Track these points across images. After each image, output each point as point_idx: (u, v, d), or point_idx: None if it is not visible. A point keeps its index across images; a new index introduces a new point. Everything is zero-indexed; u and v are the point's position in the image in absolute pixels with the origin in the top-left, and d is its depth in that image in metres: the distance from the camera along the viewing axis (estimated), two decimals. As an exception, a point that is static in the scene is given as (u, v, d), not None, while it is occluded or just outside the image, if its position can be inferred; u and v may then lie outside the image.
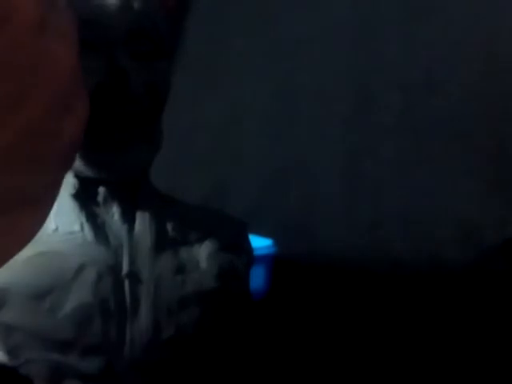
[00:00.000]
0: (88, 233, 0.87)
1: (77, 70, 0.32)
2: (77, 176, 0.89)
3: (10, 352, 0.84)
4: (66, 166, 0.33)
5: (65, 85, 0.31)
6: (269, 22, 2.65)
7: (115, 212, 0.89)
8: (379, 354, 2.26)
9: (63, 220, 0.88)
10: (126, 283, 0.86)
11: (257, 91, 2.65)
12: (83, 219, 0.88)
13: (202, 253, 0.92)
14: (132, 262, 0.87)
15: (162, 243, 0.90)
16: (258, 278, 2.22)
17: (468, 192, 2.49)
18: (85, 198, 0.90)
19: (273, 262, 2.37)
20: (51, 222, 0.88)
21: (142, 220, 0.90)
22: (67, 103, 0.31)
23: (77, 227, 0.88)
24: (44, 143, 0.30)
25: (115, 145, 0.86)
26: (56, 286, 0.84)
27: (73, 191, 0.89)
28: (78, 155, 0.87)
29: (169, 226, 0.92)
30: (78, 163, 0.87)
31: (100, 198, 0.90)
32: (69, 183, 0.89)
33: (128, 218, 0.90)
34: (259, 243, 2.27)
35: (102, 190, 0.90)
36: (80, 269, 0.85)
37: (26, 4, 0.29)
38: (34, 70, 0.29)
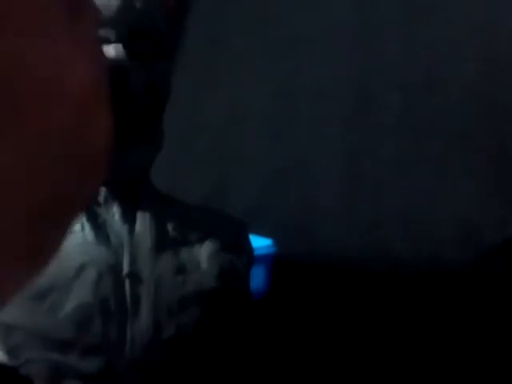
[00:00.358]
0: (88, 233, 0.87)
1: (99, 84, 0.29)
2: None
3: (9, 352, 0.84)
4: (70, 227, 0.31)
5: (81, 101, 0.28)
6: (269, 22, 2.65)
7: (116, 212, 0.90)
8: (379, 353, 2.26)
9: (63, 220, 0.88)
10: (127, 283, 0.86)
11: (257, 91, 2.65)
12: (84, 219, 0.88)
13: (203, 253, 0.92)
14: (132, 262, 0.87)
15: (162, 243, 0.90)
16: (257, 277, 2.22)
17: (468, 192, 2.49)
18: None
19: (273, 261, 2.37)
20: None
21: (142, 220, 0.90)
22: (85, 119, 0.29)
23: (77, 227, 0.88)
24: (63, 205, 0.28)
25: (115, 145, 0.86)
26: (56, 285, 0.84)
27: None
28: None
29: (169, 226, 0.92)
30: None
31: (101, 198, 0.90)
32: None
33: (128, 218, 0.90)
34: (259, 243, 2.27)
35: (102, 190, 0.90)
36: (80, 268, 0.85)
37: None
38: (45, 81, 0.27)
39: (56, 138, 0.27)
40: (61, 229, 0.29)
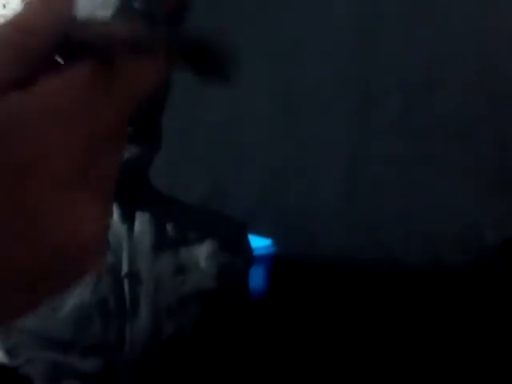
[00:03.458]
0: (88, 233, 0.87)
1: (103, 232, 0.32)
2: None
3: (9, 352, 0.84)
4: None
5: (83, 243, 0.31)
6: (269, 22, 2.65)
7: (115, 212, 0.89)
8: (379, 353, 2.26)
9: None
10: (126, 283, 0.86)
11: (257, 91, 2.65)
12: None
13: (202, 253, 0.92)
14: (132, 262, 0.87)
15: (161, 243, 0.90)
16: (257, 277, 2.22)
17: (468, 192, 2.49)
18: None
19: (272, 261, 2.37)
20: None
21: (141, 220, 0.90)
22: (77, 260, 0.32)
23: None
24: (37, 283, 0.32)
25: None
26: (56, 285, 0.84)
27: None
28: None
29: (168, 226, 0.92)
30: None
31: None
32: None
33: (128, 218, 0.90)
34: (259, 243, 2.27)
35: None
36: (80, 269, 0.85)
37: (64, 147, 0.29)
38: (51, 228, 0.30)
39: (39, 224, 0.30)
40: (24, 305, 0.33)
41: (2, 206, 0.29)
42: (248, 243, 1.00)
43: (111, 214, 0.31)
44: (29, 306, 0.33)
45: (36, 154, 0.28)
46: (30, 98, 0.28)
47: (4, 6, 1.82)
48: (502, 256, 2.43)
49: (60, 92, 0.29)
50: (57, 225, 0.30)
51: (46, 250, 0.30)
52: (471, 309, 2.33)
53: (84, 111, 0.30)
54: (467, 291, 2.37)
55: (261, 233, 2.29)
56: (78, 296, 0.84)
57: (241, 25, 2.64)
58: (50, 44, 0.30)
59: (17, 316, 0.33)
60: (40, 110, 0.28)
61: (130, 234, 0.89)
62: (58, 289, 0.33)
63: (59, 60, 0.30)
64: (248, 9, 2.66)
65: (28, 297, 0.32)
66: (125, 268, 0.87)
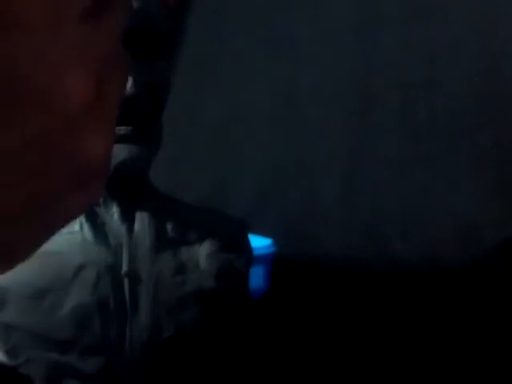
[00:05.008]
0: (87, 232, 0.87)
1: (107, 159, 0.32)
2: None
3: (9, 352, 0.84)
4: (53, 234, 0.34)
5: (90, 172, 0.30)
6: (269, 22, 2.65)
7: (115, 212, 0.89)
8: (379, 354, 2.26)
9: (63, 220, 0.88)
10: (126, 283, 0.86)
11: (257, 91, 2.65)
12: (83, 219, 0.88)
13: (202, 252, 0.92)
14: (131, 262, 0.87)
15: (161, 243, 0.90)
16: (257, 277, 2.22)
17: (468, 192, 2.49)
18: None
19: (272, 261, 2.36)
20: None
21: (141, 220, 0.90)
22: (85, 182, 0.31)
23: (76, 227, 0.88)
24: (45, 210, 0.31)
25: (115, 144, 0.86)
26: (55, 285, 0.83)
27: (72, 191, 0.89)
28: None
29: (168, 226, 0.92)
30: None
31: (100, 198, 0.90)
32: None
33: (127, 218, 0.90)
34: (259, 243, 2.27)
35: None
36: (79, 268, 0.85)
37: (74, 84, 0.28)
38: (57, 151, 0.29)
39: (42, 145, 0.28)
40: (33, 236, 0.31)
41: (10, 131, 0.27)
42: (248, 243, 1.00)
43: (114, 139, 0.30)
44: (42, 236, 0.31)
45: (49, 73, 0.28)
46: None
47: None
48: (501, 256, 2.43)
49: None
50: (64, 144, 0.29)
51: (55, 170, 0.29)
52: (470, 309, 2.33)
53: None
54: (466, 291, 2.37)
55: (261, 233, 2.29)
56: (77, 296, 0.84)
57: (241, 24, 2.65)
58: None
59: (29, 250, 0.31)
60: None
61: (129, 233, 0.90)
62: (64, 216, 0.32)
63: None
64: (248, 9, 2.66)
65: (39, 224, 0.30)
66: (124, 268, 0.87)
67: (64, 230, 0.88)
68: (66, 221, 0.33)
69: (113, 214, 0.90)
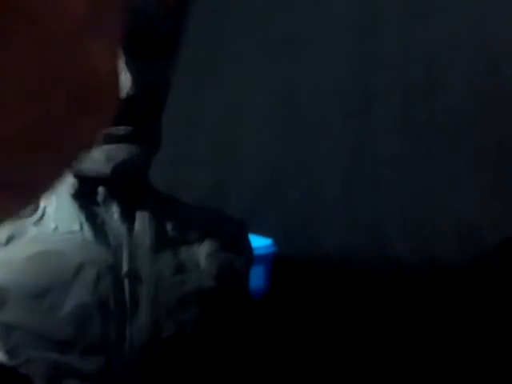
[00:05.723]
0: (87, 232, 0.87)
1: (114, 74, 0.31)
2: (76, 176, 0.89)
3: (9, 352, 0.84)
4: (70, 165, 0.32)
5: (97, 90, 0.30)
6: (269, 22, 2.65)
7: (115, 211, 0.90)
8: (379, 354, 2.26)
9: (63, 219, 0.88)
10: (126, 282, 0.86)
11: (257, 91, 2.65)
12: (83, 219, 0.88)
13: (202, 252, 0.92)
14: (132, 262, 0.87)
15: (161, 243, 0.90)
16: (257, 277, 2.22)
17: (468, 192, 2.49)
18: (84, 197, 0.90)
19: (272, 261, 2.37)
20: (51, 222, 0.88)
21: (141, 219, 0.90)
22: (94, 103, 0.30)
23: (76, 227, 0.88)
24: (56, 135, 0.30)
25: (115, 144, 0.86)
26: (55, 285, 0.84)
27: (72, 191, 0.90)
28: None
29: (168, 226, 0.92)
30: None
31: (100, 198, 0.90)
32: (68, 183, 0.90)
33: (128, 218, 0.90)
34: (259, 243, 2.27)
35: (101, 189, 0.90)
36: (79, 268, 0.85)
37: None
38: (60, 69, 0.28)
39: (50, 56, 0.28)
40: (49, 166, 0.30)
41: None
42: (248, 243, 1.00)
43: (118, 50, 0.29)
44: (58, 168, 0.30)
45: None
46: None
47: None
48: (501, 256, 2.43)
49: None
50: (64, 58, 0.28)
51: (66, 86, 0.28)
52: (470, 309, 2.33)
53: None
54: (466, 291, 2.37)
55: (261, 233, 2.30)
56: (77, 295, 0.84)
57: (241, 24, 2.65)
58: None
59: (46, 183, 0.30)
60: None
61: (129, 233, 0.90)
62: (78, 143, 0.31)
63: None
64: (248, 9, 2.66)
65: (55, 155, 0.29)
66: (125, 267, 0.87)
67: (64, 230, 0.88)
68: (80, 149, 0.31)
69: (113, 214, 0.90)
